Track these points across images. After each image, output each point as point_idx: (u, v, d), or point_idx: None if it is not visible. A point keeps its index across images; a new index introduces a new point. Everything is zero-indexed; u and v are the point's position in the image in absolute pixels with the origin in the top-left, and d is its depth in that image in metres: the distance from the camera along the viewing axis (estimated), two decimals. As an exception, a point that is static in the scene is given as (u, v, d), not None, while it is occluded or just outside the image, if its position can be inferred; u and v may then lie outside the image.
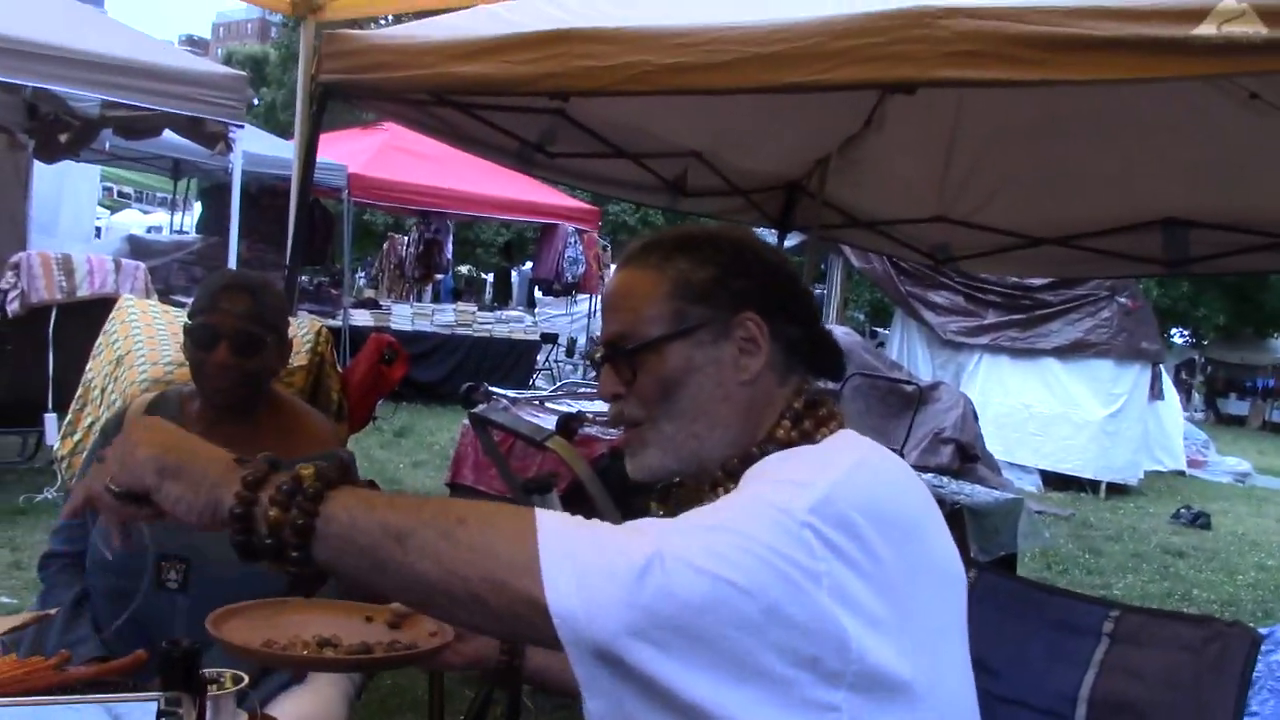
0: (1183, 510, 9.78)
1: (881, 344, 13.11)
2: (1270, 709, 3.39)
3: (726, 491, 1.19)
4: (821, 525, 1.01)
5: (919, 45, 2.38)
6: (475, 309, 13.05)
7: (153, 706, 0.96)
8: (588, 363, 15.67)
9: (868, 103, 4.52)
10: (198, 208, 14.46)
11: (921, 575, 1.10)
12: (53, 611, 2.05)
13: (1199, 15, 2.10)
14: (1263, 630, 3.92)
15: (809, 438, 1.23)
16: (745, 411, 1.26)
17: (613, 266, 16.99)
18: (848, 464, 1.10)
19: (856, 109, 4.59)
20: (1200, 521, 9.46)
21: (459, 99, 3.72)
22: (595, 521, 1.02)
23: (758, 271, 1.28)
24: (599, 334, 1.35)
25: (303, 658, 1.20)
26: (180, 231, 14.10)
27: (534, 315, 15.22)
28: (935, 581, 1.13)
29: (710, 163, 4.98)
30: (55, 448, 3.34)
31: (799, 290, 1.33)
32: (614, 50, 2.84)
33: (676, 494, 1.33)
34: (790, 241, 6.46)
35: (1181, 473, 12.94)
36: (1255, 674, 3.56)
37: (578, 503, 2.89)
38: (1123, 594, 6.53)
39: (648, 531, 1.01)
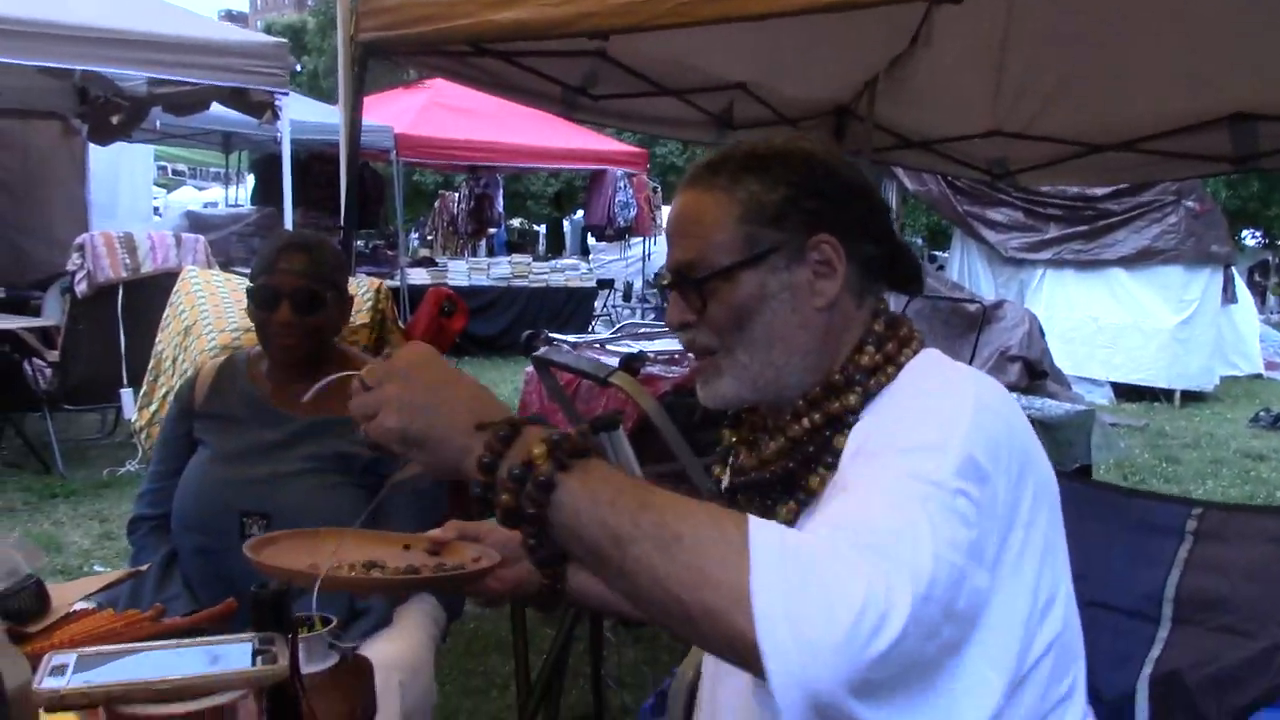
0: (1261, 413, 9.58)
1: (941, 267, 12.93)
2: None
3: (811, 422, 1.17)
4: (970, 487, 0.99)
5: (963, -52, 2.32)
6: (530, 260, 13.11)
7: (249, 647, 0.98)
8: (645, 304, 15.71)
9: (914, 19, 4.41)
10: (250, 180, 14.63)
11: (1042, 500, 1.11)
12: (144, 568, 2.12)
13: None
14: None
15: (892, 360, 1.19)
16: (823, 337, 1.21)
17: (664, 208, 16.93)
18: (968, 410, 1.06)
19: (902, 26, 4.48)
20: (1280, 424, 9.27)
21: (498, 47, 3.70)
22: (804, 539, 0.94)
23: (831, 189, 1.22)
24: (665, 261, 1.28)
25: (349, 579, 1.20)
26: (235, 205, 14.30)
27: (589, 262, 15.23)
28: (1050, 501, 1.13)
29: (755, 93, 4.90)
30: (133, 420, 3.42)
31: (875, 204, 1.27)
32: (650, -16, 2.80)
33: (749, 419, 1.31)
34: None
35: (1259, 376, 12.65)
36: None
37: (645, 439, 2.91)
38: (1202, 500, 6.44)
39: (856, 558, 0.92)
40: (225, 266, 9.34)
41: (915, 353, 1.21)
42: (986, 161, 5.55)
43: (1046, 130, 5.01)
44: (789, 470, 1.19)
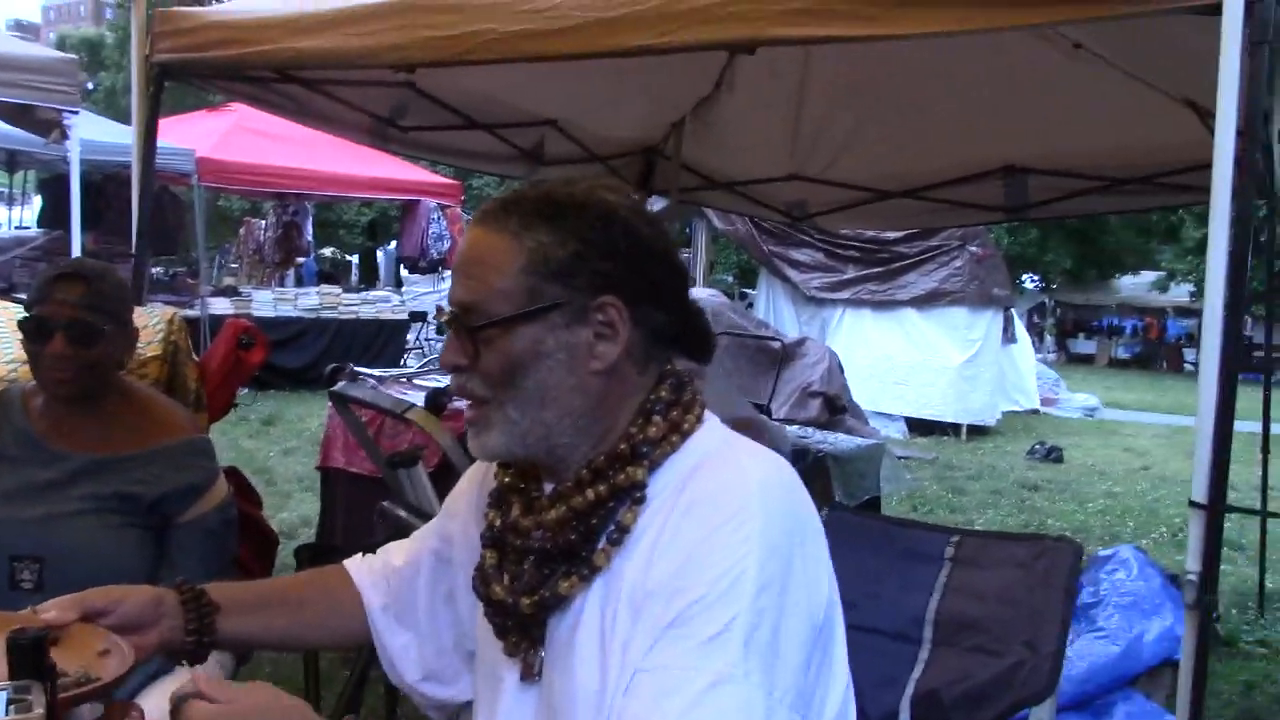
0: (1037, 446, 10.31)
1: (750, 304, 13.35)
2: (1115, 623, 3.63)
3: (596, 494, 1.14)
4: (754, 669, 1.01)
5: (755, 5, 2.44)
6: (340, 291, 12.80)
7: (2, 696, 0.94)
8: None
9: (717, 64, 4.58)
10: (37, 201, 13.77)
11: (830, 624, 1.13)
12: None
13: (1014, -31, 2.21)
14: (1105, 552, 4.18)
15: (677, 429, 1.16)
16: (599, 400, 1.17)
17: (478, 241, 16.83)
18: (754, 562, 1.04)
19: (706, 71, 4.65)
20: (1053, 456, 10.00)
21: (304, 75, 3.63)
22: None
23: (626, 249, 1.16)
24: (449, 295, 1.22)
25: None
26: (21, 227, 13.42)
27: (401, 294, 14.99)
28: (832, 615, 1.14)
29: (566, 130, 4.98)
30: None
31: (671, 270, 1.20)
32: (458, 19, 2.83)
33: (518, 464, 1.26)
34: (651, 206, 6.52)
35: (1036, 411, 13.61)
36: (1102, 591, 3.80)
37: (448, 476, 2.90)
38: (983, 528, 6.85)
39: None
40: (7, 293, 8.77)
41: (699, 419, 1.18)
42: (786, 204, 5.80)
43: (840, 176, 5.29)
44: (570, 542, 1.15)
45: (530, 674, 1.20)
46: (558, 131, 4.96)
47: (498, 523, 1.26)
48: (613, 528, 1.14)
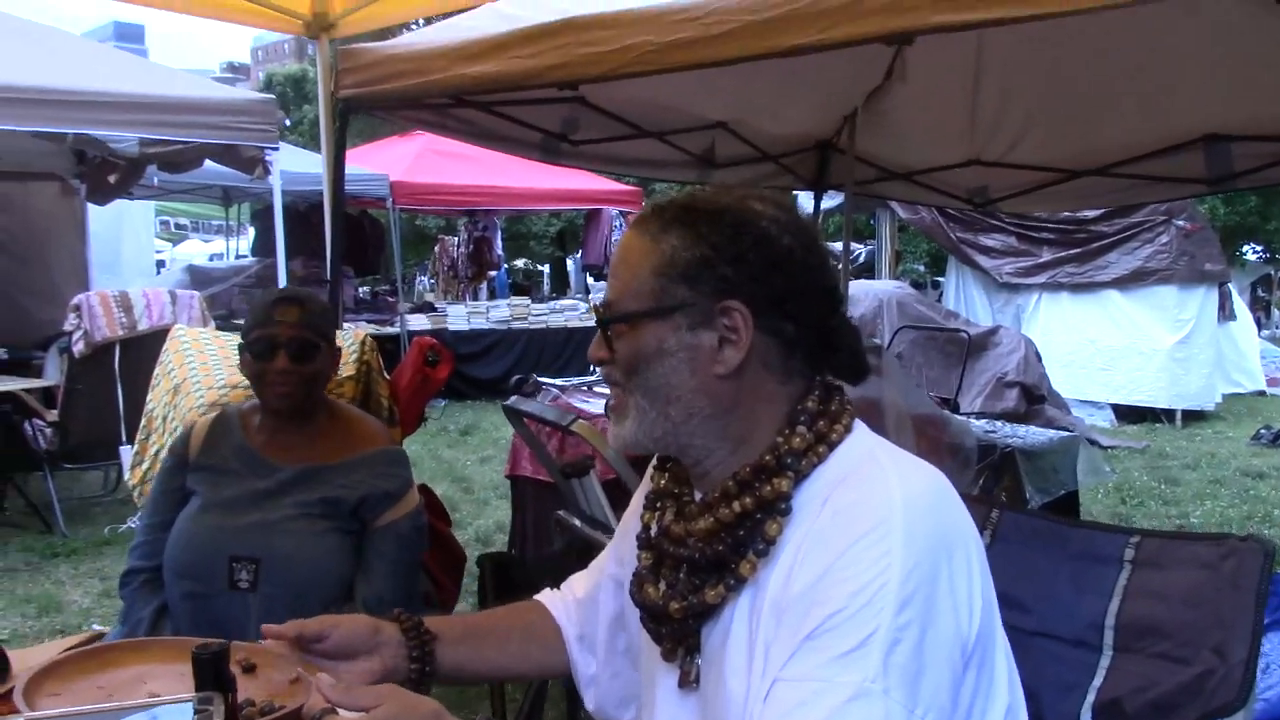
0: (1263, 431, 9.56)
1: (941, 293, 12.97)
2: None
3: (742, 506, 1.15)
4: (894, 682, 1.01)
5: (909, -6, 2.38)
6: (529, 302, 13.17)
7: (189, 708, 1.02)
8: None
9: (887, 54, 4.48)
10: (252, 232, 14.77)
11: (989, 615, 1.12)
12: (105, 630, 2.16)
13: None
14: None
15: (824, 439, 1.17)
16: (728, 406, 1.18)
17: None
18: (896, 572, 1.03)
19: (876, 61, 4.55)
20: (1281, 441, 9.25)
21: (476, 98, 3.77)
22: None
23: (756, 257, 1.17)
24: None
25: None
26: (239, 256, 14.42)
27: (589, 302, 15.29)
28: (988, 600, 1.13)
29: (737, 131, 4.97)
30: (127, 477, 3.47)
31: (809, 282, 1.20)
32: (615, 34, 2.87)
33: (674, 469, 1.30)
34: (830, 202, 6.43)
35: (1262, 393, 12.62)
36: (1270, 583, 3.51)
37: (619, 487, 2.94)
38: (1200, 521, 6.42)
39: None
40: (228, 319, 9.45)
41: (847, 429, 1.19)
42: (967, 190, 5.61)
43: (1023, 158, 5.07)
44: (718, 553, 1.17)
45: (687, 681, 1.22)
46: (728, 133, 4.96)
47: (652, 525, 1.30)
48: (759, 539, 1.15)
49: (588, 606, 1.48)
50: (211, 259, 18.48)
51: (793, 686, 1.03)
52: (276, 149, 5.76)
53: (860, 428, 1.21)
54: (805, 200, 5.92)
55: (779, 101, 4.80)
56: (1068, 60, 4.18)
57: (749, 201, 1.22)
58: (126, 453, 5.62)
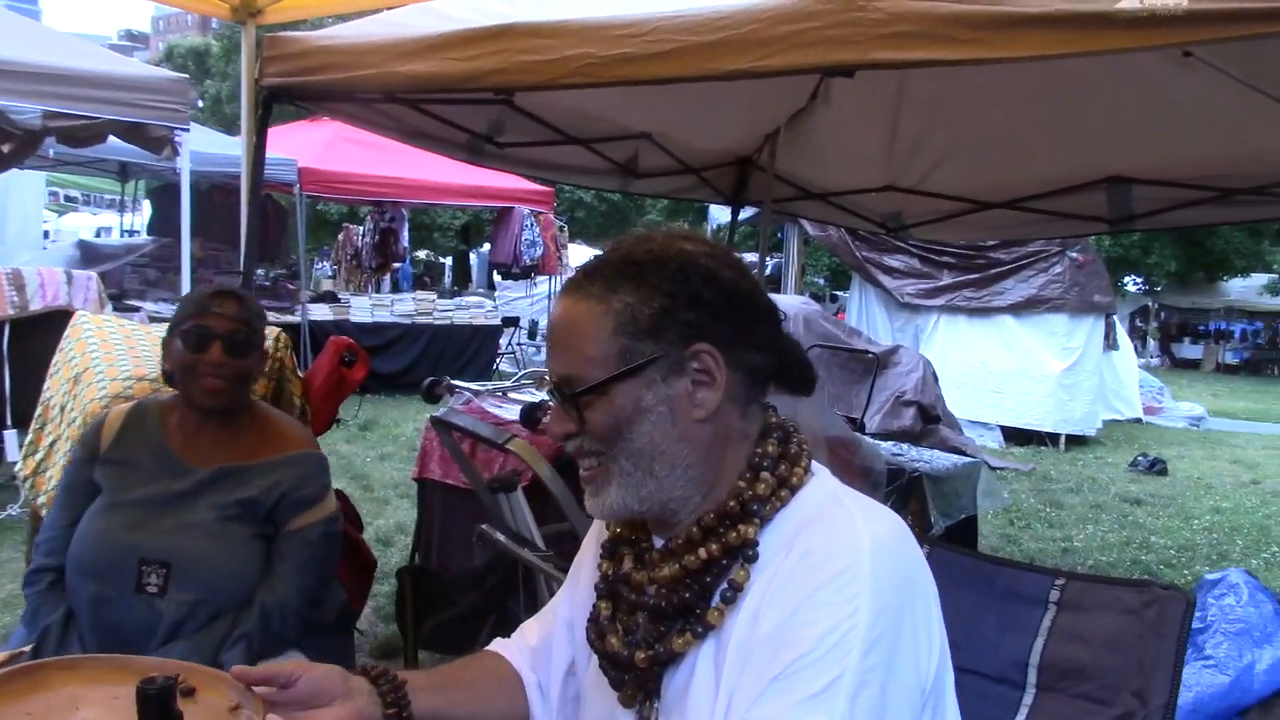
0: (1140, 458, 9.99)
1: (842, 308, 13.22)
2: (1224, 652, 3.52)
3: (708, 553, 1.16)
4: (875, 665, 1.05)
5: (854, 29, 2.42)
6: (435, 297, 13.01)
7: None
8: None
9: (813, 77, 4.55)
10: (147, 208, 14.27)
11: (942, 660, 1.15)
12: (24, 649, 2.07)
13: (1123, -11, 2.15)
14: (1212, 576, 4.06)
15: (786, 483, 1.18)
16: (707, 449, 1.19)
17: (571, 246, 16.98)
18: (865, 617, 1.05)
19: (802, 83, 4.62)
20: (1157, 468, 9.68)
21: (405, 95, 3.71)
22: None
23: (710, 296, 1.18)
24: (547, 366, 1.26)
25: None
26: (131, 233, 13.92)
27: (494, 300, 15.19)
28: (942, 647, 1.17)
29: (661, 143, 5.00)
30: (17, 465, 3.33)
31: (759, 309, 1.22)
32: (556, 44, 2.86)
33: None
34: (744, 214, 6.50)
35: (1139, 420, 13.19)
36: (1209, 617, 3.69)
37: (543, 493, 2.93)
38: (1083, 545, 6.68)
39: None
40: (119, 298, 9.12)
41: (807, 470, 1.21)
42: (882, 215, 5.73)
43: (937, 187, 5.21)
44: (684, 600, 1.18)
45: None
46: (652, 144, 4.98)
47: (610, 573, 1.29)
48: (726, 586, 1.16)
49: (542, 654, 1.46)
50: (99, 233, 17.82)
51: None
52: (187, 130, 5.58)
53: (820, 470, 1.23)
54: (724, 213, 5.99)
55: (704, 116, 4.84)
56: (985, 97, 4.31)
57: (679, 244, 1.23)
58: (10, 437, 5.39)
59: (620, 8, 2.87)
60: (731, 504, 1.18)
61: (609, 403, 1.18)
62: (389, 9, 3.72)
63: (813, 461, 1.23)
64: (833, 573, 1.08)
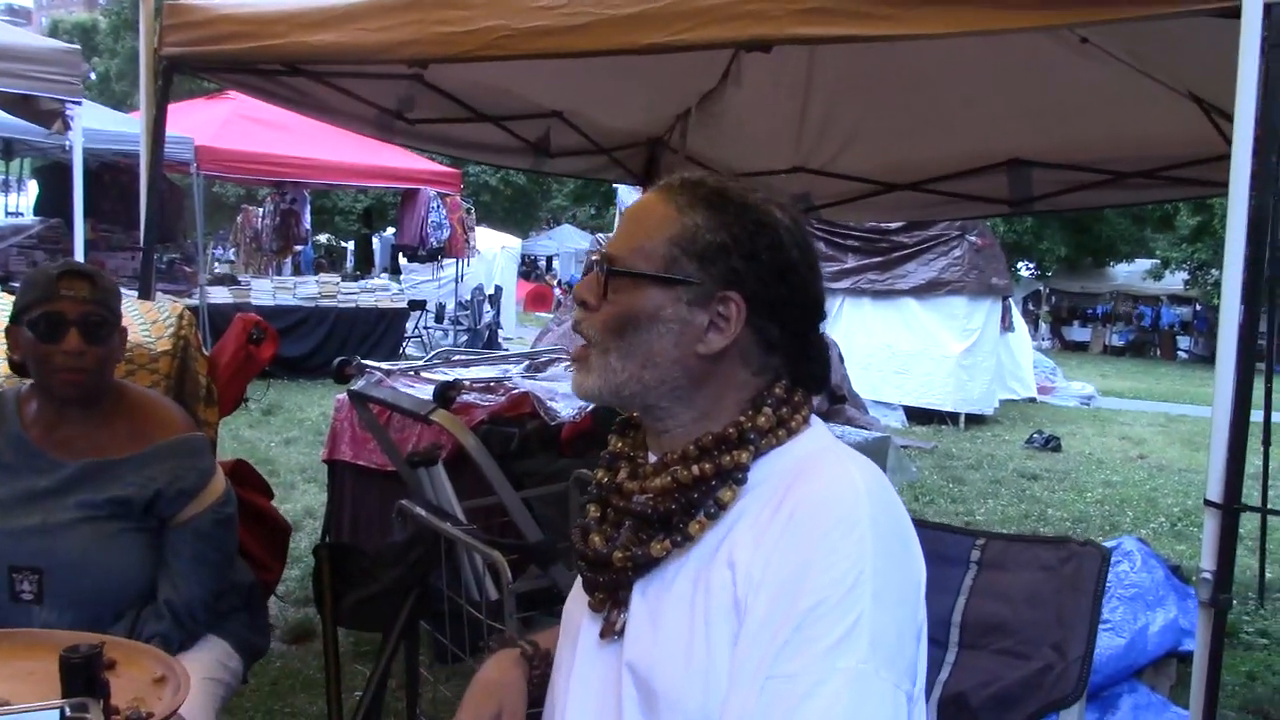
0: (1035, 435, 10.33)
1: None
2: (1120, 615, 3.66)
3: (701, 470, 1.21)
4: (881, 665, 1.08)
5: (772, 4, 2.44)
6: (339, 280, 12.80)
7: (55, 715, 0.94)
8: (458, 326, 15.55)
9: (724, 58, 4.57)
10: (33, 188, 13.70)
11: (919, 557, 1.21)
12: None
13: (1032, -31, 2.21)
14: (1109, 544, 4.22)
15: (785, 424, 1.23)
16: (699, 382, 1.25)
17: (478, 230, 16.81)
18: (869, 564, 1.10)
19: (713, 64, 4.63)
20: (1051, 445, 10.03)
21: (311, 68, 3.63)
22: None
23: (766, 259, 1.23)
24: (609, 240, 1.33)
25: None
26: (15, 214, 13.37)
27: (400, 283, 14.98)
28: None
29: (572, 122, 4.97)
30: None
31: (804, 296, 1.27)
32: (471, 15, 2.82)
33: (634, 436, 1.35)
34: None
35: (1033, 400, 13.65)
36: (1105, 585, 3.83)
37: (461, 468, 2.91)
38: (984, 519, 6.89)
39: None
40: (4, 281, 8.74)
41: (805, 420, 1.26)
42: (791, 196, 5.77)
43: (845, 169, 5.28)
44: (669, 510, 1.22)
45: (611, 631, 1.26)
46: (563, 123, 4.95)
47: (604, 480, 1.34)
48: (711, 503, 1.21)
49: None
50: (-20, 214, 17.06)
51: (791, 682, 1.08)
52: (79, 103, 5.37)
53: (817, 423, 1.28)
54: (632, 195, 5.99)
55: (615, 95, 4.83)
56: (892, 78, 4.38)
57: (771, 206, 1.28)
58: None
59: (536, -20, 2.84)
60: (730, 430, 1.23)
61: (633, 295, 1.24)
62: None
63: (813, 416, 1.28)
64: (835, 520, 1.12)
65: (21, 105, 5.29)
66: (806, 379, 1.29)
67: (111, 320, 2.16)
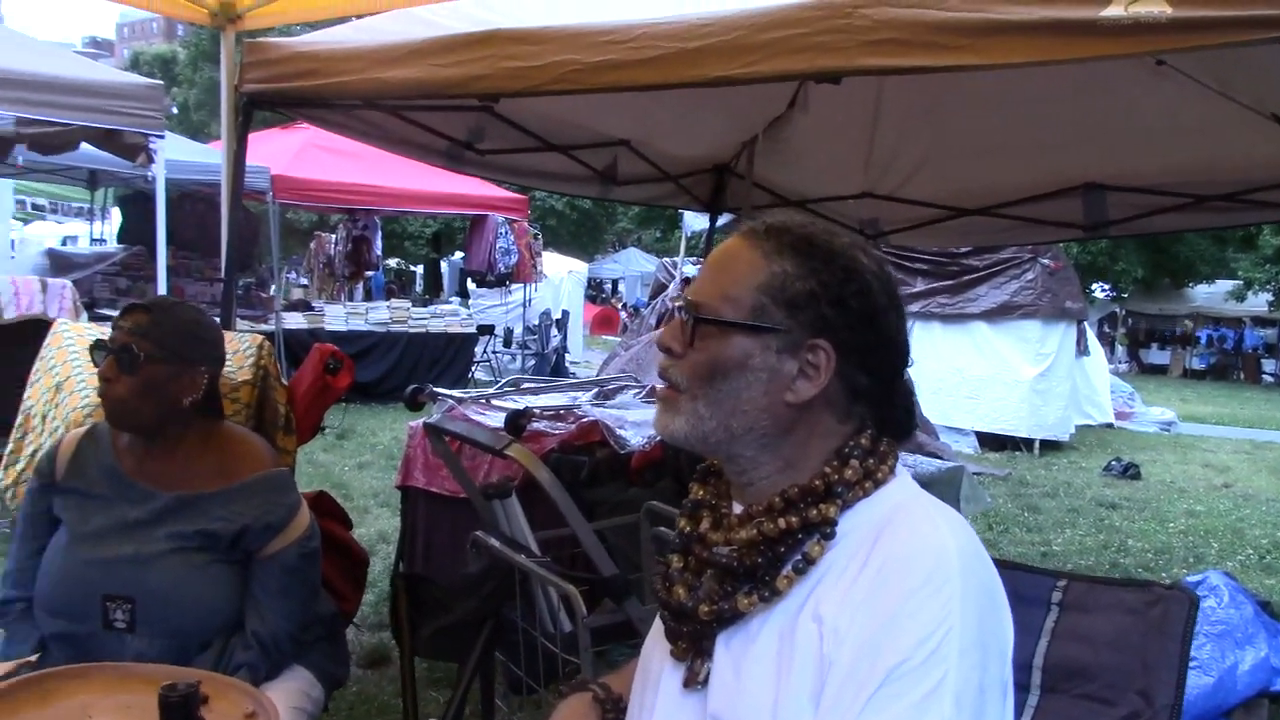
0: (1113, 462, 10.09)
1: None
2: (1207, 653, 3.55)
3: (787, 523, 1.19)
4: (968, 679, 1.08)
5: (841, 35, 2.42)
6: (410, 305, 12.98)
7: (156, 750, 0.97)
8: (526, 350, 15.67)
9: (791, 85, 4.58)
10: (116, 216, 14.12)
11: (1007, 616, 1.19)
12: (33, 658, 2.03)
13: (1107, -4, 2.18)
14: (1192, 578, 4.10)
15: (871, 476, 1.22)
16: (787, 432, 1.24)
17: (544, 254, 16.95)
18: (956, 624, 1.09)
19: (780, 91, 4.65)
20: (1130, 472, 9.78)
21: (386, 103, 3.70)
22: None
23: (855, 306, 1.23)
24: (691, 285, 1.31)
25: None
26: (99, 241, 13.79)
27: (468, 307, 15.15)
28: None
29: (639, 150, 5.01)
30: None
31: (891, 343, 1.26)
32: (541, 50, 2.85)
33: (715, 484, 1.34)
34: (721, 221, 6.52)
35: (1110, 425, 13.33)
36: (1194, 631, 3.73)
37: (531, 495, 2.93)
38: (1061, 549, 6.74)
39: None
40: (89, 307, 9.02)
41: (892, 470, 1.24)
42: (859, 222, 5.76)
43: (914, 194, 5.24)
44: (755, 564, 1.21)
45: (694, 681, 1.25)
46: (631, 151, 4.99)
47: (688, 529, 1.33)
48: (799, 557, 1.20)
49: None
50: (65, 242, 17.62)
51: None
52: (162, 137, 5.53)
53: (903, 473, 1.27)
54: (703, 221, 6.00)
55: (682, 123, 4.85)
56: (962, 104, 4.35)
57: (857, 251, 1.27)
58: (-17, 447, 5.31)
59: (606, 15, 2.87)
60: (816, 483, 1.21)
61: (721, 343, 1.23)
62: (369, 15, 3.71)
63: (898, 464, 1.27)
64: (924, 577, 1.11)
65: (107, 139, 5.47)
66: (892, 426, 1.28)
67: (151, 354, 2.17)
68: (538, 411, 3.87)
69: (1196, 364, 28.94)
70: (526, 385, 4.67)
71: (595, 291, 32.73)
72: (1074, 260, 16.86)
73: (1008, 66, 2.35)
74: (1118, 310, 30.06)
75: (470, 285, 17.01)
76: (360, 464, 8.14)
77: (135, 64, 40.33)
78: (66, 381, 3.02)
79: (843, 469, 1.22)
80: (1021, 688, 1.66)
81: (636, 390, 4.67)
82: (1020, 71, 3.77)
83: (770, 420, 1.23)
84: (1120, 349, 29.16)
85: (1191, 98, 3.54)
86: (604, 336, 24.82)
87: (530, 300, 15.92)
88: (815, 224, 1.29)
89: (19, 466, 3.11)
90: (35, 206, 26.67)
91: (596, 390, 4.60)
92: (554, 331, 15.72)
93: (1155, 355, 29.90)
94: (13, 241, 16.22)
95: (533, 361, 15.17)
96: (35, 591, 2.18)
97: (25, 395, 3.17)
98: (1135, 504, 8.42)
